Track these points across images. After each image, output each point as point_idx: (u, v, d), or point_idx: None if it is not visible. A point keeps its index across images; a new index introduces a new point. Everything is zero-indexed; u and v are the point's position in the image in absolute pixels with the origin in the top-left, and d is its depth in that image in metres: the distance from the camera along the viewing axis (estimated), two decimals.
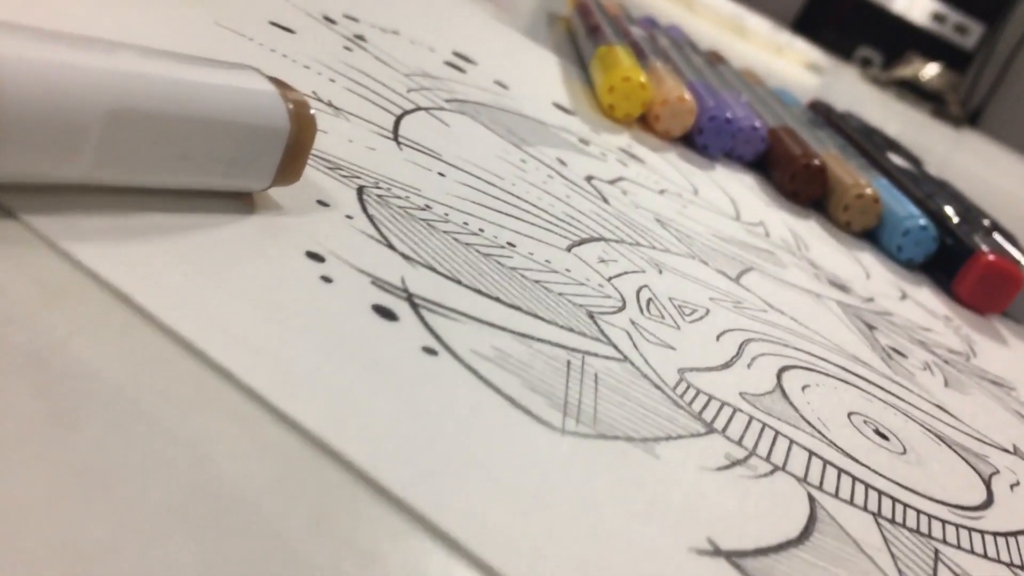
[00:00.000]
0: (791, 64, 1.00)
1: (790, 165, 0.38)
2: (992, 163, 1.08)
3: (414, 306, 0.16)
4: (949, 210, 0.39)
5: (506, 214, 0.22)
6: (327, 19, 0.29)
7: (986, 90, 1.48)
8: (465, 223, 0.21)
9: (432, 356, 0.15)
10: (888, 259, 0.37)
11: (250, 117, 0.16)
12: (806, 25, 1.51)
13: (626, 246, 0.24)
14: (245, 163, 0.16)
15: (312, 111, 0.17)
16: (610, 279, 0.22)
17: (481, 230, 0.21)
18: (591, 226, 0.24)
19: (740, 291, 0.25)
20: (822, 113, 0.54)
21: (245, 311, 0.14)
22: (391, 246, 0.18)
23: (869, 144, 0.47)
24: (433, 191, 0.21)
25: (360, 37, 0.29)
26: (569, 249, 0.22)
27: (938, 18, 1.51)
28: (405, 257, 0.18)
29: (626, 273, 0.22)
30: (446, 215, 0.20)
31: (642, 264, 0.23)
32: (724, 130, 0.37)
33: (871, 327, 0.28)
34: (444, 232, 0.20)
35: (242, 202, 0.17)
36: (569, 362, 0.17)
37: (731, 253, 0.28)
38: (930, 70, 1.26)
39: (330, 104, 0.23)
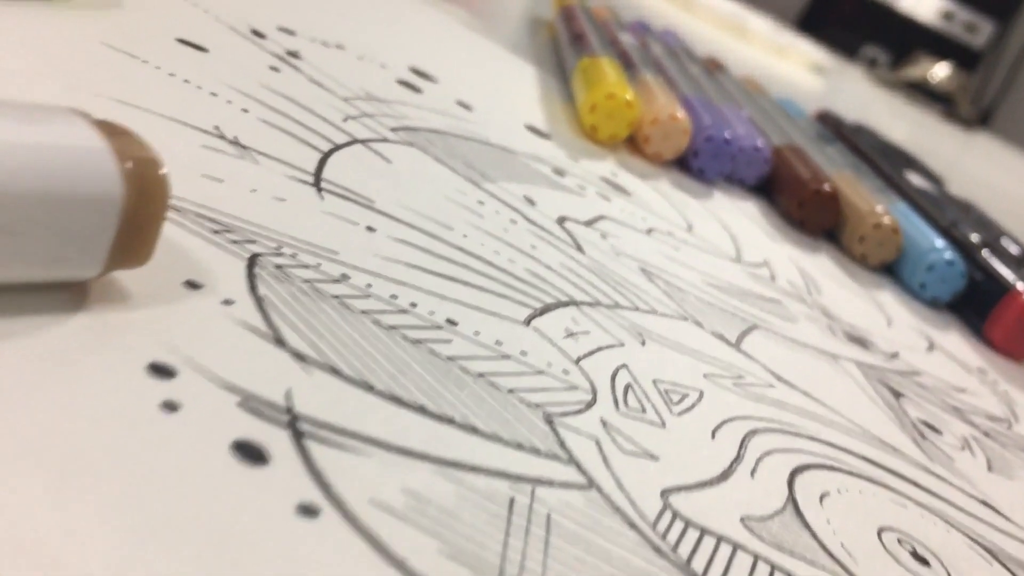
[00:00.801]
0: (794, 66, 0.96)
1: (798, 191, 0.33)
2: (1006, 167, 1.04)
3: (297, 436, 0.12)
4: (976, 238, 0.34)
5: (450, 278, 0.18)
6: (255, 33, 0.25)
7: (997, 90, 1.44)
8: (393, 296, 0.16)
9: (310, 519, 0.11)
10: (910, 297, 0.32)
11: (66, 183, 0.11)
12: (810, 24, 1.46)
13: (602, 311, 0.20)
14: (64, 245, 0.12)
15: (163, 170, 0.12)
16: (578, 360, 0.17)
17: (413, 305, 0.16)
18: (559, 285, 0.20)
19: (741, 360, 0.21)
20: (831, 125, 0.50)
21: (33, 483, 0.10)
22: (281, 341, 0.14)
23: (884, 161, 0.43)
24: (356, 253, 0.17)
25: (293, 54, 0.25)
26: (528, 321, 0.18)
27: (947, 16, 1.47)
28: (298, 357, 0.14)
29: (600, 349, 0.18)
30: (368, 287, 0.16)
31: (620, 334, 0.19)
32: (723, 151, 0.33)
33: (898, 395, 0.23)
34: (362, 312, 0.15)
35: (71, 294, 0.13)
36: (512, 501, 0.13)
37: (730, 307, 0.23)
38: (940, 70, 1.22)
39: (235, 142, 0.19)
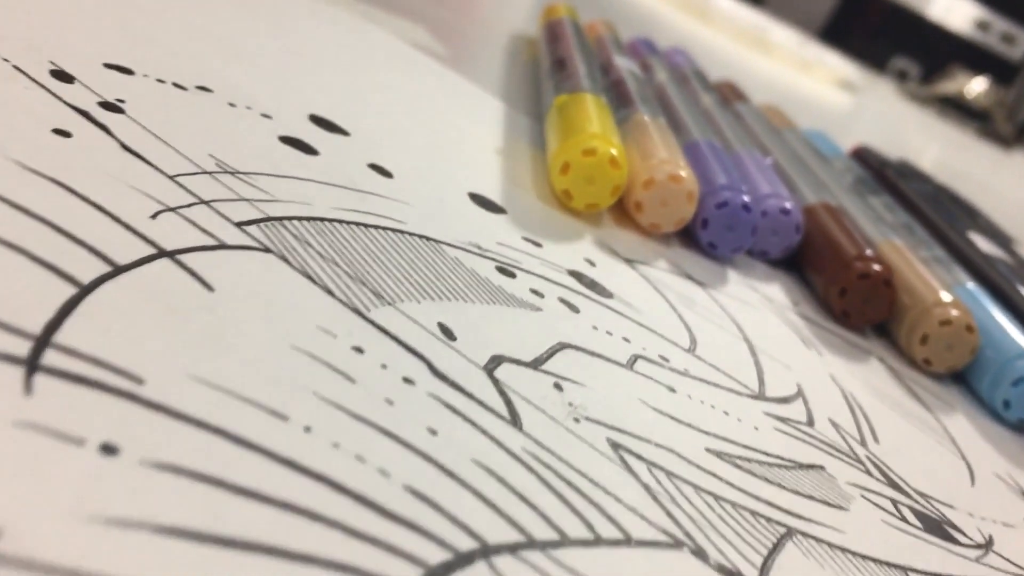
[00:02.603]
0: (821, 83, 0.87)
1: (839, 274, 0.25)
2: None
3: None
4: None
5: (257, 546, 0.10)
6: (58, 75, 0.17)
7: None
8: None
9: None
10: (989, 419, 0.24)
11: None
12: (835, 34, 1.38)
13: (535, 558, 0.12)
14: None
15: None
16: None
17: None
18: (461, 517, 0.12)
19: None
20: (871, 165, 0.42)
21: None
22: None
23: (941, 216, 0.35)
24: (57, 522, 0.09)
25: (113, 105, 0.17)
26: None
27: (982, 26, 1.38)
28: None
29: None
30: None
31: None
32: (741, 221, 0.25)
33: None
34: None
35: None
36: None
37: (749, 501, 0.15)
38: (976, 85, 1.13)
39: None
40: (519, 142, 0.27)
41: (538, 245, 0.21)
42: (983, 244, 0.33)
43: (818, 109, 0.77)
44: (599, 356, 0.17)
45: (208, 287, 0.13)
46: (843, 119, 0.84)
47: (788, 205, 0.27)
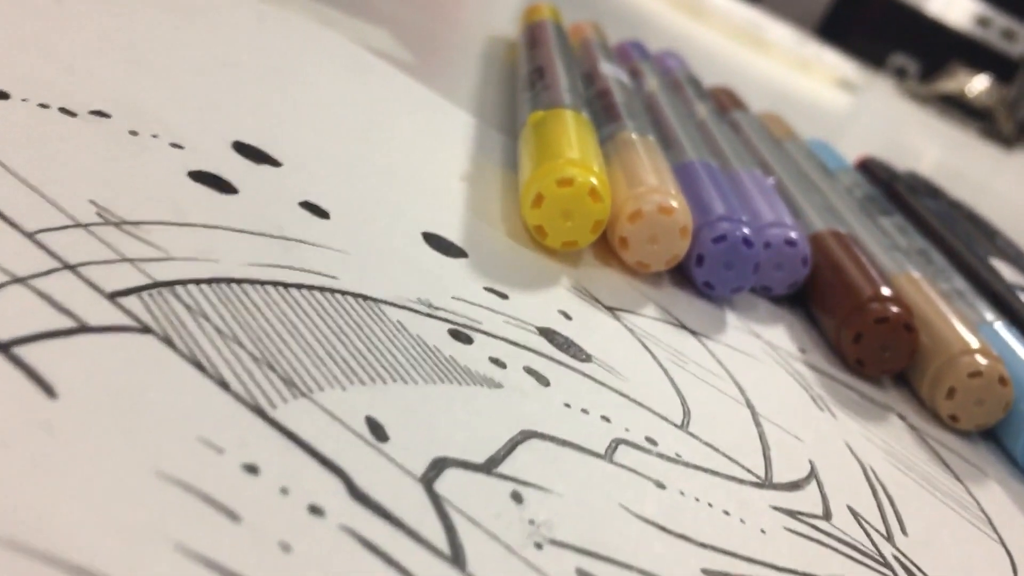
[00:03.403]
0: (820, 82, 0.84)
1: (853, 317, 0.22)
2: None
3: None
4: None
5: None
6: None
7: None
8: None
9: None
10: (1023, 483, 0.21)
11: None
12: (832, 31, 1.35)
13: None
14: None
15: None
16: None
17: None
18: None
19: None
20: (880, 178, 0.38)
21: None
22: None
23: (958, 239, 0.32)
24: None
25: None
26: None
27: (982, 22, 1.35)
28: None
29: None
30: None
31: None
32: (740, 258, 0.22)
33: None
34: None
35: None
36: None
37: None
38: (978, 84, 1.10)
39: None
40: (490, 165, 0.24)
41: (503, 297, 0.17)
42: (1007, 272, 0.30)
43: (818, 111, 0.74)
44: (571, 446, 0.14)
45: (49, 392, 0.10)
46: (843, 120, 0.81)
47: (794, 235, 0.24)
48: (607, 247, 0.22)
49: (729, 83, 0.43)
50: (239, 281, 0.14)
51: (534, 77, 0.28)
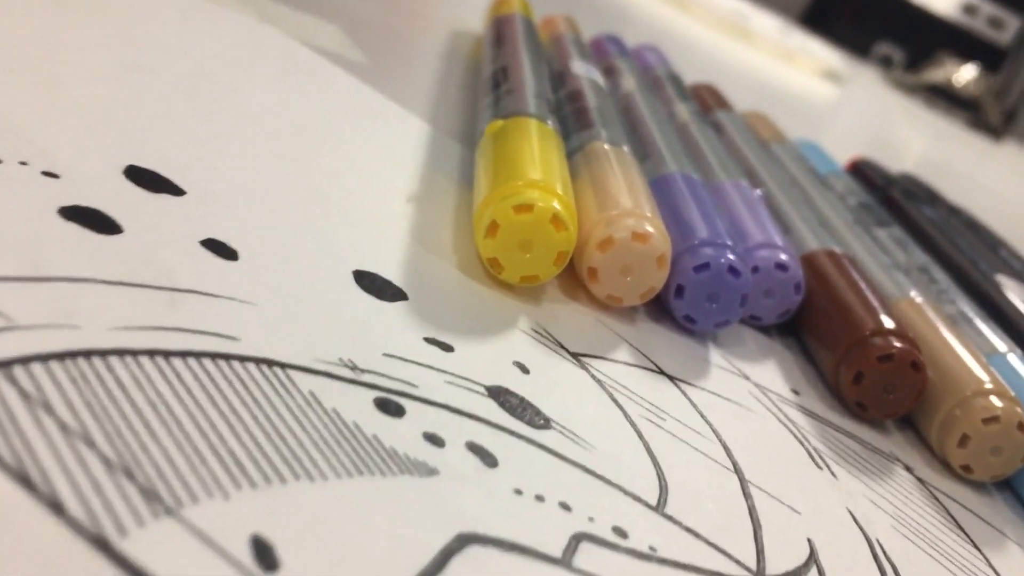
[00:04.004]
0: (805, 73, 0.82)
1: (853, 354, 0.20)
2: None
3: None
4: None
5: None
6: None
7: (1021, 91, 1.31)
8: None
9: None
10: None
11: None
12: (817, 19, 1.32)
13: None
14: None
15: None
16: None
17: None
18: None
19: None
20: (874, 182, 0.36)
21: None
22: None
23: (960, 253, 0.29)
24: None
25: None
26: None
27: (968, 10, 1.32)
28: None
29: None
30: None
31: None
32: (726, 288, 0.19)
33: None
34: None
35: None
36: None
37: None
38: (965, 73, 1.08)
39: None
40: (445, 183, 0.21)
41: (448, 349, 0.15)
42: (1015, 289, 0.27)
43: (803, 103, 0.72)
44: (521, 550, 0.11)
45: None
46: (829, 113, 0.78)
47: (784, 258, 0.21)
48: (574, 278, 0.19)
49: (712, 77, 0.40)
50: (103, 353, 0.11)
51: (497, 79, 0.25)
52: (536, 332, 0.17)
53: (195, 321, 0.12)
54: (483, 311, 0.16)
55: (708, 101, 0.35)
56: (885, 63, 1.28)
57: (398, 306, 0.15)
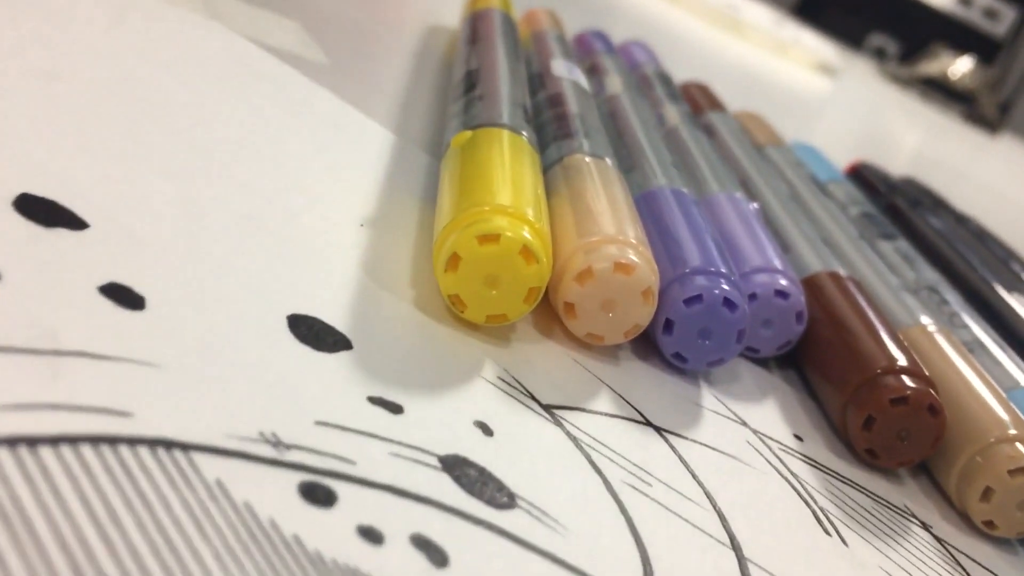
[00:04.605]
0: (798, 66, 0.80)
1: (862, 396, 0.18)
2: None
3: None
4: None
5: None
6: None
7: (1016, 83, 1.29)
8: None
9: None
10: None
11: None
12: (809, 9, 1.30)
13: None
14: None
15: None
16: None
17: None
18: None
19: None
20: (876, 188, 0.34)
21: None
22: None
23: (972, 270, 0.27)
24: None
25: None
26: None
27: (963, 1, 1.30)
28: None
29: None
30: None
31: None
32: (720, 323, 0.17)
33: None
34: None
35: None
36: None
37: None
38: (961, 66, 1.06)
39: None
40: (408, 201, 0.19)
41: (396, 411, 0.13)
42: None
43: (797, 98, 0.70)
44: None
45: None
46: (823, 107, 0.76)
47: (785, 283, 0.19)
48: (550, 312, 0.17)
49: (704, 72, 0.38)
50: None
51: (468, 82, 0.23)
52: (503, 381, 0.14)
53: (78, 395, 0.10)
54: (442, 358, 0.14)
55: (700, 101, 0.33)
56: (879, 55, 1.26)
57: (339, 357, 0.13)
